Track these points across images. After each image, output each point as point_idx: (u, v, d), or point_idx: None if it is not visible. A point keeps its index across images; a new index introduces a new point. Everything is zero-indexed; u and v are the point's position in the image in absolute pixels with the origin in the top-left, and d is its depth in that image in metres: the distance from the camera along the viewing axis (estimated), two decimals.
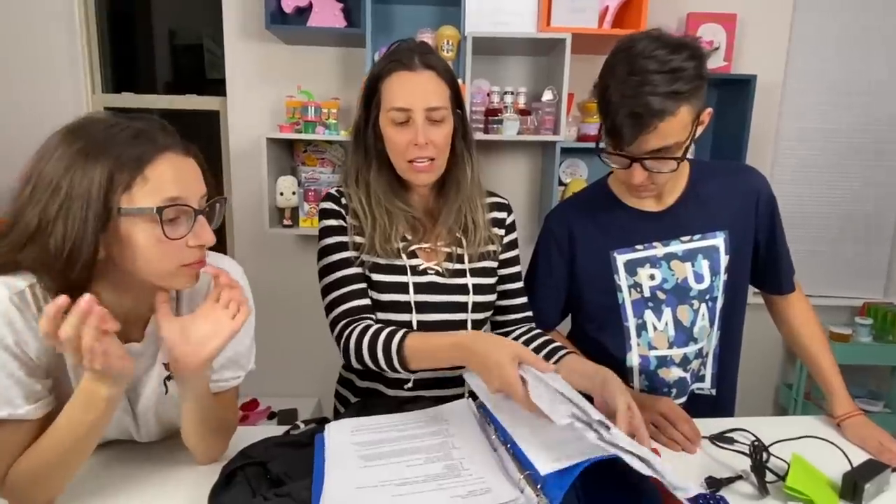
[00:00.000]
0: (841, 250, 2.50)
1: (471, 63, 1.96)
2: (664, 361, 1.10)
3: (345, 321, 0.96)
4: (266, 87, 2.22)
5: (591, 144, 2.05)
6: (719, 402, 1.16)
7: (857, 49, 2.32)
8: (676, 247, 1.07)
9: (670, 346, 1.09)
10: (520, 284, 1.14)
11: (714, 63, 2.18)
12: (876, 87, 2.35)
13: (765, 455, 0.88)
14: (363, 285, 0.99)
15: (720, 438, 0.97)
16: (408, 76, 0.93)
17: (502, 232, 1.11)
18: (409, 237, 1.02)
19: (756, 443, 0.90)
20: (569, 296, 1.17)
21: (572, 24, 1.97)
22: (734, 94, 2.20)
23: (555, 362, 0.99)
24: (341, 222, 1.01)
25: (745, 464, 0.87)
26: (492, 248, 1.07)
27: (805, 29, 2.31)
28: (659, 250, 1.07)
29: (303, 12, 2.06)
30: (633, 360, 1.11)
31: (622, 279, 1.08)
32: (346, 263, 0.99)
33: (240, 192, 2.31)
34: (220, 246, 2.52)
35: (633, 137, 0.89)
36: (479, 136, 2.04)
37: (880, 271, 2.51)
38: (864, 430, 1.00)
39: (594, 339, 1.14)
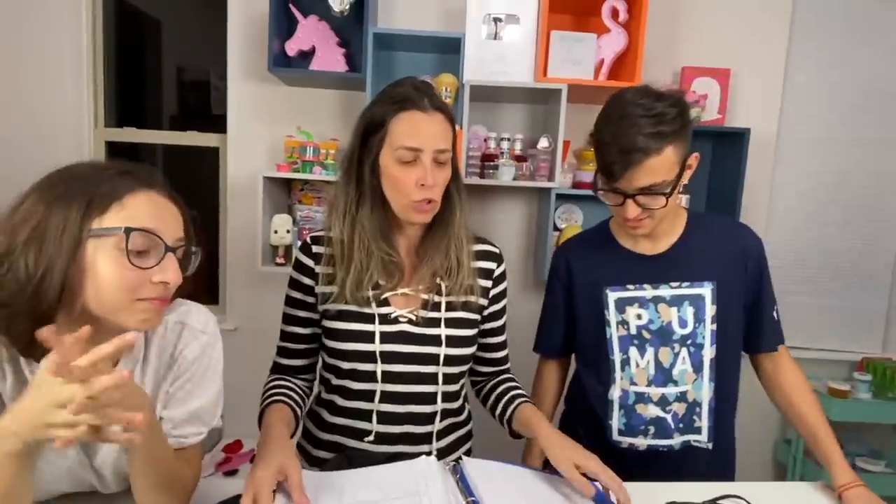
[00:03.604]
0: (837, 303, 2.48)
1: (468, 109, 1.99)
2: (642, 398, 1.13)
3: (270, 375, 1.07)
4: (266, 126, 2.25)
5: (587, 191, 2.10)
6: (717, 457, 1.15)
7: (850, 103, 2.37)
8: (665, 291, 1.11)
9: (649, 385, 1.12)
10: (504, 337, 1.13)
11: (708, 116, 2.22)
12: (869, 140, 2.39)
13: None
14: (300, 346, 1.06)
15: None
16: (420, 117, 0.93)
17: (489, 283, 1.08)
18: (382, 283, 0.99)
19: None
20: (568, 327, 1.23)
21: (568, 75, 2.01)
22: (729, 146, 2.23)
23: (512, 410, 1.05)
24: (303, 278, 1.03)
25: None
26: (472, 298, 1.04)
27: (798, 83, 2.36)
28: (648, 292, 1.12)
29: (305, 55, 2.11)
30: (615, 393, 1.14)
31: (612, 315, 1.13)
32: (294, 320, 1.05)
33: (235, 229, 2.31)
34: (212, 283, 2.50)
35: (622, 171, 0.98)
36: (475, 180, 2.06)
37: (878, 325, 2.49)
38: (869, 501, 0.97)
39: (585, 370, 1.22)
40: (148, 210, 0.70)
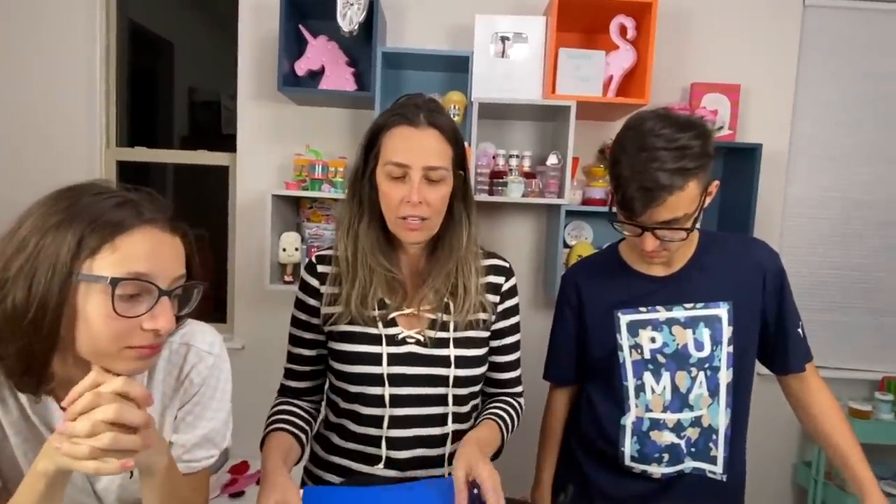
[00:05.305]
0: (854, 320, 2.42)
1: (477, 127, 1.99)
2: (657, 424, 1.09)
3: (276, 398, 1.06)
4: (275, 144, 2.26)
5: (596, 208, 2.09)
6: (730, 486, 1.11)
7: (862, 117, 2.34)
8: (679, 312, 1.07)
9: (664, 410, 1.08)
10: (513, 357, 1.08)
11: (719, 132, 2.20)
12: (883, 154, 2.36)
13: None
14: (306, 368, 1.04)
15: None
16: (410, 132, 0.91)
17: (496, 298, 1.04)
18: (388, 302, 0.97)
19: None
20: (579, 353, 1.19)
21: (577, 92, 2.01)
22: (740, 162, 2.21)
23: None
24: (308, 299, 1.02)
25: None
26: (482, 316, 1.01)
27: (809, 97, 2.34)
28: (661, 314, 1.08)
29: (315, 75, 2.13)
30: (629, 419, 1.10)
31: (624, 339, 1.09)
32: (300, 341, 1.03)
33: (243, 246, 2.31)
34: (220, 301, 2.50)
35: (643, 209, 0.93)
36: (483, 197, 2.05)
37: None
38: None
39: (596, 397, 1.15)
40: (143, 250, 0.65)
